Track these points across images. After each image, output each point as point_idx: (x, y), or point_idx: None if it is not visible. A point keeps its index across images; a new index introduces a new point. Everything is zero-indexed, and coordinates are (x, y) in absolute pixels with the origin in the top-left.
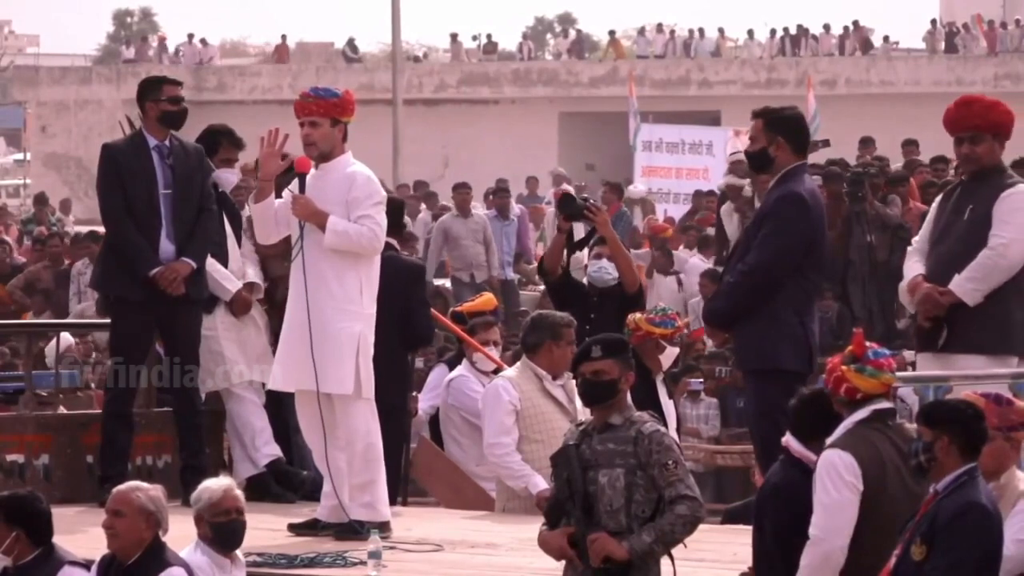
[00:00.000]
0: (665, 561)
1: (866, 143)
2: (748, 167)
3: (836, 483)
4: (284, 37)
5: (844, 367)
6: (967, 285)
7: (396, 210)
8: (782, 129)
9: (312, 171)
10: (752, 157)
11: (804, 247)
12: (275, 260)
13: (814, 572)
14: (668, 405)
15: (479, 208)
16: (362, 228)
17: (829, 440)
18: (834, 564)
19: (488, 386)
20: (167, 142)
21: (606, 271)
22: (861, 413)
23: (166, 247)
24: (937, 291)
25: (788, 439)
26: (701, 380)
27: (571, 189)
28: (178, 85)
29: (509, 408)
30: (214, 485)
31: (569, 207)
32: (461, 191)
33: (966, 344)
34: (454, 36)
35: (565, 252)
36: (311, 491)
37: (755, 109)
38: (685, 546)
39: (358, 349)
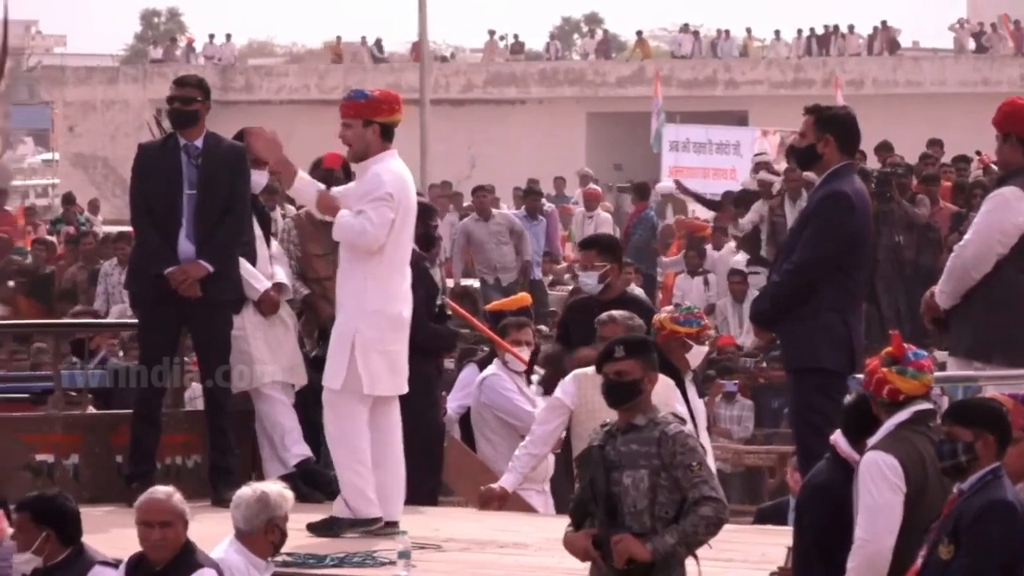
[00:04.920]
0: (690, 562)
1: (884, 148)
2: (794, 162)
3: (880, 485)
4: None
5: (885, 369)
6: (938, 288)
7: (422, 212)
8: (832, 127)
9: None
10: (799, 153)
11: (848, 246)
12: (321, 259)
13: (861, 575)
14: (698, 404)
15: (505, 208)
16: (354, 222)
17: (871, 442)
18: (880, 566)
19: None
20: (198, 142)
21: (584, 281)
22: (903, 415)
23: (185, 247)
24: (931, 294)
25: (836, 438)
26: (735, 382)
27: None
28: (179, 85)
29: (555, 403)
30: (287, 492)
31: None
32: (479, 194)
33: (949, 347)
34: (491, 33)
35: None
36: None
37: (807, 106)
38: (710, 547)
39: (353, 345)
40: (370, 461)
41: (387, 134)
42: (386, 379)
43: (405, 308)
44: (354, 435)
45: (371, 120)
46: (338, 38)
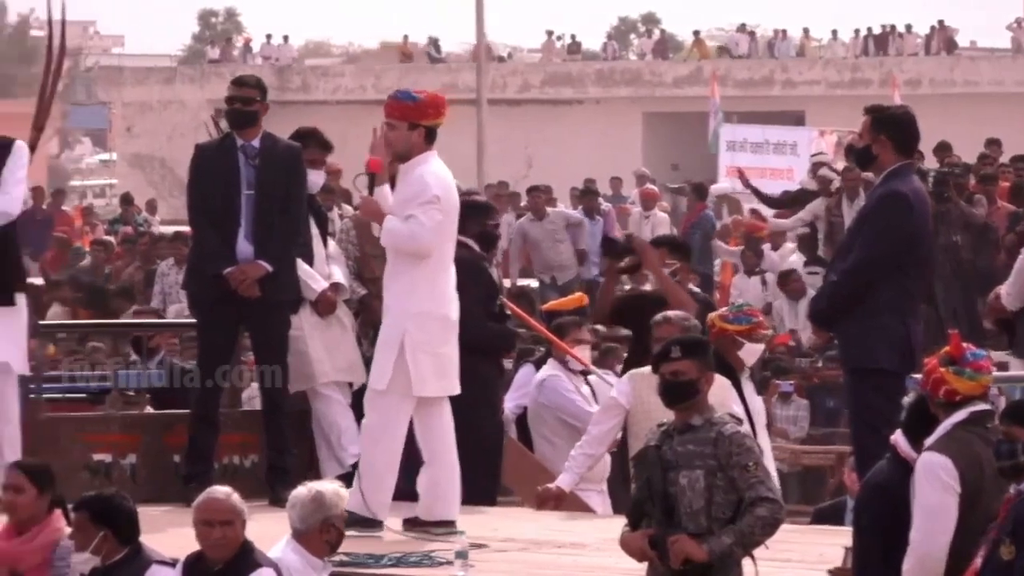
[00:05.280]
0: (747, 562)
1: (943, 149)
2: (854, 162)
3: (935, 486)
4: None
5: (943, 369)
6: (1004, 289)
7: (475, 211)
8: (886, 128)
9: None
10: (858, 153)
11: (906, 246)
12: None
13: None
14: (756, 402)
15: (561, 207)
16: (404, 227)
17: (928, 442)
18: (934, 567)
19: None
20: (255, 142)
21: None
22: (959, 415)
23: (243, 247)
24: (996, 295)
25: (897, 437)
26: (791, 382)
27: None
28: (238, 85)
29: (610, 404)
30: (343, 491)
31: (612, 250)
32: (534, 194)
33: (1016, 349)
34: (549, 33)
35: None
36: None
37: (866, 106)
38: (767, 547)
39: (402, 346)
40: (398, 466)
41: (430, 137)
42: (433, 381)
43: (452, 309)
44: (393, 437)
45: (417, 123)
46: (405, 37)
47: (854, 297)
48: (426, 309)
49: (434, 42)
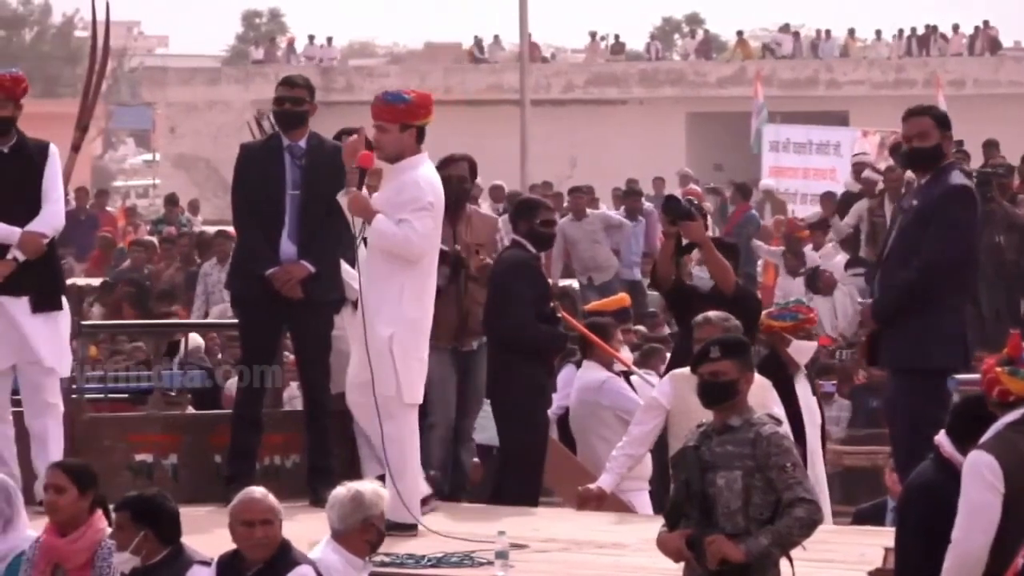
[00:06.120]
0: (784, 563)
1: (991, 147)
2: (908, 163)
3: (978, 485)
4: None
5: (998, 368)
6: None
7: (525, 210)
8: (949, 126)
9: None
10: (921, 153)
11: (975, 242)
12: None
13: (954, 575)
14: (810, 403)
15: (604, 208)
16: (398, 231)
17: (980, 441)
18: (972, 566)
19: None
20: (302, 142)
21: (699, 276)
22: (1012, 415)
23: (287, 248)
24: None
25: (941, 438)
26: (834, 383)
27: (688, 193)
28: (288, 86)
29: (652, 404)
30: (382, 491)
31: (673, 210)
32: (576, 195)
33: None
34: (593, 34)
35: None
36: (436, 491)
37: (920, 107)
38: (804, 548)
39: (391, 352)
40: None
41: (421, 137)
42: (419, 386)
43: (431, 315)
44: (413, 441)
45: (408, 124)
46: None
47: (928, 294)
48: (415, 315)
49: (478, 42)
